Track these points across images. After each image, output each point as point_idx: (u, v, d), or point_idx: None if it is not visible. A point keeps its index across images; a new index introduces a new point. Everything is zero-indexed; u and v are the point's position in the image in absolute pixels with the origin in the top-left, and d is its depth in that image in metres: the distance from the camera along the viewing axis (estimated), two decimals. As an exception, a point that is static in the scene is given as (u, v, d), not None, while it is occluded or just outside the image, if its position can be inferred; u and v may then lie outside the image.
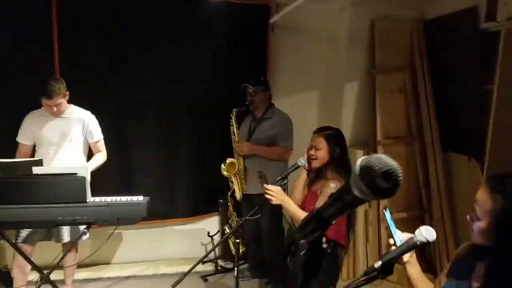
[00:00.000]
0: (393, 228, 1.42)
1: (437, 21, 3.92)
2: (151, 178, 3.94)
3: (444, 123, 3.90)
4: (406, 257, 1.43)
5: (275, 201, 2.23)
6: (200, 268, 4.01)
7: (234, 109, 3.54)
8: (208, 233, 4.14)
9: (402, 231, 4.50)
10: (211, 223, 4.28)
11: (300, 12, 3.78)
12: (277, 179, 2.36)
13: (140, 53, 3.79)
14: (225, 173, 3.56)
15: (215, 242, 4.13)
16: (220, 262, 4.10)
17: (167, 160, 4.02)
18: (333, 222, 0.85)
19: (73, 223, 2.54)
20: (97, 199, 2.57)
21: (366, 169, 0.71)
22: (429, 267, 3.92)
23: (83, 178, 2.44)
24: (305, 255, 2.18)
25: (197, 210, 4.22)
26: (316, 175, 2.46)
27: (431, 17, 3.99)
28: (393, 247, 1.34)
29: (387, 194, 0.72)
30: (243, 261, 3.90)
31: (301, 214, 2.25)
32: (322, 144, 2.33)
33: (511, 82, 2.29)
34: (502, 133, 2.33)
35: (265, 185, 2.27)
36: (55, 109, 3.05)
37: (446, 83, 3.87)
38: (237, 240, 3.61)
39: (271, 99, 3.63)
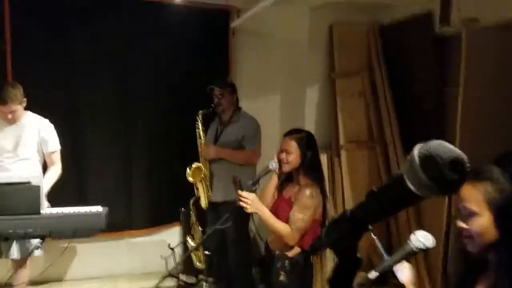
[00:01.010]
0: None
1: (393, 26, 4.03)
2: (105, 185, 3.72)
3: (404, 125, 3.97)
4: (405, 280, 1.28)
5: (250, 209, 2.11)
6: (163, 283, 3.82)
7: (200, 111, 3.40)
8: (169, 245, 3.93)
9: (367, 234, 4.50)
10: (172, 234, 4.06)
11: (260, 17, 3.74)
12: (248, 183, 2.25)
13: (96, 57, 3.63)
14: (190, 178, 3.39)
15: (176, 255, 3.92)
16: (182, 277, 3.90)
17: (123, 165, 3.82)
18: (370, 227, 0.71)
19: (26, 236, 2.29)
20: (52, 210, 2.36)
21: (429, 159, 0.60)
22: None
23: (37, 187, 2.22)
24: (285, 269, 2.10)
25: (156, 220, 4.01)
26: (286, 180, 2.38)
27: (387, 22, 4.10)
28: (386, 257, 1.21)
29: (453, 188, 0.61)
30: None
31: (277, 223, 2.15)
32: (293, 147, 2.24)
33: (474, 83, 2.37)
34: (469, 134, 2.40)
35: (240, 192, 2.14)
36: (9, 116, 2.86)
37: (404, 86, 3.96)
38: (206, 252, 3.40)
39: (238, 102, 3.52)
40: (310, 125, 4.09)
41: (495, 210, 1.13)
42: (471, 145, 2.42)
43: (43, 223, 2.23)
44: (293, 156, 2.23)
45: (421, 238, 1.11)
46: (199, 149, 3.46)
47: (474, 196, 1.15)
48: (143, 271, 3.94)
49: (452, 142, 2.66)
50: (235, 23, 3.96)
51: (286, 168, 2.26)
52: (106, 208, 2.45)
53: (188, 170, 3.38)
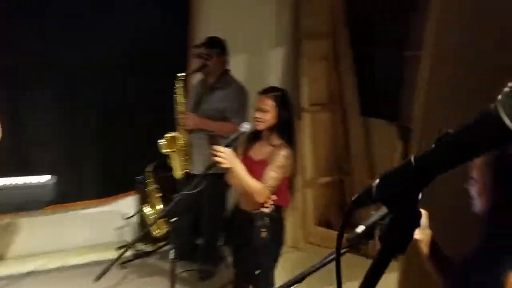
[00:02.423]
0: None
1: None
2: (52, 153, 3.39)
3: (365, 90, 4.02)
4: (418, 235, 1.25)
5: (226, 164, 2.06)
6: (116, 255, 3.62)
7: (179, 75, 3.06)
8: (123, 216, 3.72)
9: (326, 194, 4.51)
10: (126, 205, 3.83)
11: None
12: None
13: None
14: (165, 149, 3.12)
15: (134, 225, 3.73)
16: (139, 246, 3.72)
17: (72, 131, 3.50)
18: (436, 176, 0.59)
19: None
20: (-8, 181, 2.07)
21: None
22: (350, 227, 4.05)
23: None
24: (266, 226, 2.06)
25: (108, 191, 3.73)
26: (252, 140, 2.33)
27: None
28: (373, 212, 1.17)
29: None
30: (165, 243, 3.59)
31: (251, 180, 2.12)
32: (270, 106, 2.20)
33: (440, 48, 2.33)
34: (431, 99, 2.39)
35: (215, 147, 2.09)
36: None
37: (367, 50, 3.98)
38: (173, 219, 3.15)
39: (226, 65, 3.22)
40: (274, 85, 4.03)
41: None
42: (438, 111, 2.41)
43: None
44: (270, 115, 2.20)
45: None
46: (177, 116, 3.16)
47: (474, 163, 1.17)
48: (95, 244, 3.69)
49: (412, 107, 2.65)
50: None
51: (261, 127, 2.22)
52: (54, 178, 2.20)
53: (162, 140, 3.11)
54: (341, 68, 4.00)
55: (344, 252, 1.03)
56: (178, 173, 3.21)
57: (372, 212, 1.10)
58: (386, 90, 3.89)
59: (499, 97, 0.51)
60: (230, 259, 3.58)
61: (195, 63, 3.27)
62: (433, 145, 0.58)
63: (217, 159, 2.07)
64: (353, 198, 0.78)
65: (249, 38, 3.91)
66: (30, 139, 3.36)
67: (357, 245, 1.05)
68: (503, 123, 0.49)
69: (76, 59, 3.40)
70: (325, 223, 4.15)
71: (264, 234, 2.13)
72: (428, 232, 1.27)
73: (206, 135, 3.09)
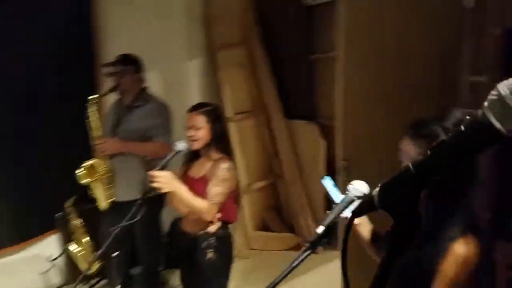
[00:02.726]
0: (335, 194, 1.29)
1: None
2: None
3: (283, 93, 4.13)
4: (357, 220, 1.35)
5: (166, 188, 1.95)
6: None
7: (92, 97, 2.80)
8: (49, 258, 3.38)
9: (261, 198, 4.54)
10: (48, 246, 3.48)
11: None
12: (156, 170, 2.01)
13: None
14: (84, 180, 2.84)
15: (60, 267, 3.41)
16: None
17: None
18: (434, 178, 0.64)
19: None
20: None
21: None
22: (287, 227, 4.13)
23: None
24: (212, 246, 2.00)
25: (25, 234, 3.34)
26: (190, 159, 2.26)
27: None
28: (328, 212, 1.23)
29: None
30: (100, 278, 3.34)
31: (195, 200, 2.05)
32: (202, 122, 2.13)
33: (351, 52, 2.48)
34: (349, 99, 2.54)
35: (151, 173, 1.95)
36: None
37: (280, 56, 4.10)
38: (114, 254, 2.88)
39: (143, 82, 3.01)
40: (195, 100, 3.93)
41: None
42: (356, 109, 2.55)
43: None
44: (203, 132, 2.13)
45: (358, 187, 1.20)
46: (95, 142, 2.88)
47: (409, 152, 1.30)
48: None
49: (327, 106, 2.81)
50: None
51: (197, 145, 2.15)
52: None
53: (80, 170, 2.83)
54: (259, 75, 4.05)
55: (309, 254, 1.07)
56: (102, 203, 2.95)
57: (328, 212, 1.18)
58: (301, 92, 4.06)
59: (486, 103, 0.56)
60: (173, 283, 3.48)
61: (108, 83, 3.06)
62: (429, 152, 0.63)
63: (155, 184, 1.94)
64: (352, 210, 0.82)
65: (161, 54, 3.75)
66: None
67: (318, 245, 1.09)
68: (493, 127, 0.55)
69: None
70: (264, 227, 4.19)
71: (210, 254, 2.09)
72: (364, 216, 1.34)
73: (129, 158, 2.88)
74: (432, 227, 1.20)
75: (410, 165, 0.64)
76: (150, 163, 2.02)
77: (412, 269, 1.17)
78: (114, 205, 2.95)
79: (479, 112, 0.56)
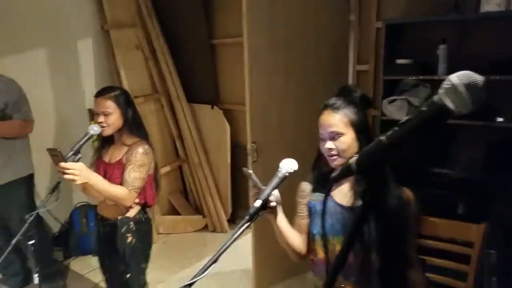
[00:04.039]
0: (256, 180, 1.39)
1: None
2: None
3: (184, 77, 4.13)
4: (277, 207, 1.44)
5: (79, 180, 1.86)
6: None
7: None
8: None
9: (168, 182, 4.60)
10: None
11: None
12: (69, 154, 1.94)
13: None
14: None
15: None
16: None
17: None
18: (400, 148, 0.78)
19: None
20: None
21: (471, 85, 0.68)
22: (194, 210, 4.26)
23: None
24: (131, 231, 2.02)
25: None
26: (105, 145, 2.20)
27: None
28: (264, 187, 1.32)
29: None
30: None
31: (112, 188, 2.00)
32: (112, 108, 2.05)
33: (254, 38, 2.61)
34: (254, 83, 2.70)
35: (63, 164, 1.84)
36: None
37: (178, 40, 4.07)
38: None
39: None
40: (89, 84, 3.82)
41: (356, 128, 1.42)
42: (261, 93, 2.76)
43: None
44: (114, 117, 2.06)
45: (289, 164, 1.30)
46: None
47: (338, 121, 1.41)
48: None
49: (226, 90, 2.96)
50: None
51: (109, 131, 2.08)
52: None
53: None
54: (158, 58, 4.01)
55: (248, 226, 1.18)
56: None
57: (263, 187, 1.28)
58: (202, 76, 4.09)
59: (441, 90, 0.70)
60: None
61: None
62: (396, 128, 0.77)
63: (67, 177, 1.84)
64: (332, 176, 0.96)
65: (48, 33, 3.56)
66: None
67: (255, 217, 1.21)
68: (448, 109, 0.69)
69: None
70: (171, 211, 4.25)
71: (130, 239, 2.08)
72: (280, 205, 1.46)
73: None
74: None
75: (383, 138, 0.79)
76: (60, 155, 1.88)
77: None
78: None
79: (436, 97, 0.71)
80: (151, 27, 4.00)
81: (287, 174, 1.30)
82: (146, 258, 2.20)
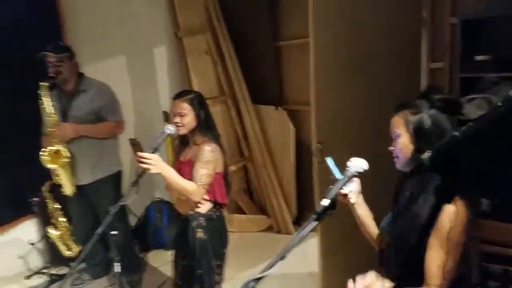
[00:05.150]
0: (337, 172, 1.41)
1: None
2: None
3: (249, 79, 4.24)
4: (353, 199, 1.46)
5: (154, 169, 2.04)
6: (30, 283, 3.40)
7: (42, 84, 2.82)
8: (27, 242, 3.44)
9: (233, 182, 4.67)
10: (26, 230, 3.56)
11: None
12: (148, 152, 2.12)
13: None
14: (50, 165, 2.91)
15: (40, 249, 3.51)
16: (52, 271, 3.48)
17: None
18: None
19: None
20: None
21: None
22: (259, 209, 4.33)
23: None
24: (201, 226, 2.13)
25: (3, 218, 3.42)
26: (181, 143, 2.38)
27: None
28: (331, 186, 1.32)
29: None
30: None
31: (183, 182, 2.15)
32: (187, 109, 2.23)
33: (320, 39, 2.61)
34: (320, 84, 2.69)
35: (141, 154, 2.04)
36: None
37: (244, 42, 4.19)
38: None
39: (79, 67, 3.08)
40: (163, 87, 4.09)
41: (414, 131, 1.35)
42: (328, 94, 2.74)
43: None
44: (189, 118, 2.23)
45: (357, 163, 1.31)
46: (48, 129, 2.91)
47: (397, 122, 1.39)
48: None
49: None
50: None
51: (183, 131, 2.25)
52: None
53: (44, 157, 2.89)
54: (226, 61, 4.16)
55: (316, 225, 1.19)
56: (69, 189, 3.06)
57: (331, 187, 1.29)
58: (267, 78, 4.17)
59: None
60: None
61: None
62: (470, 123, 0.78)
63: (143, 165, 2.03)
64: (406, 172, 0.97)
65: (127, 39, 3.85)
66: None
67: (324, 216, 1.20)
68: None
69: None
70: (237, 210, 4.36)
71: (200, 234, 2.19)
72: (361, 196, 1.49)
73: (85, 142, 3.00)
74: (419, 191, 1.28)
75: (457, 133, 0.80)
76: (140, 146, 2.08)
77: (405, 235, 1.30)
78: (79, 189, 3.10)
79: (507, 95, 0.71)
80: (219, 32, 4.16)
81: (356, 173, 1.30)
82: (218, 256, 2.28)
